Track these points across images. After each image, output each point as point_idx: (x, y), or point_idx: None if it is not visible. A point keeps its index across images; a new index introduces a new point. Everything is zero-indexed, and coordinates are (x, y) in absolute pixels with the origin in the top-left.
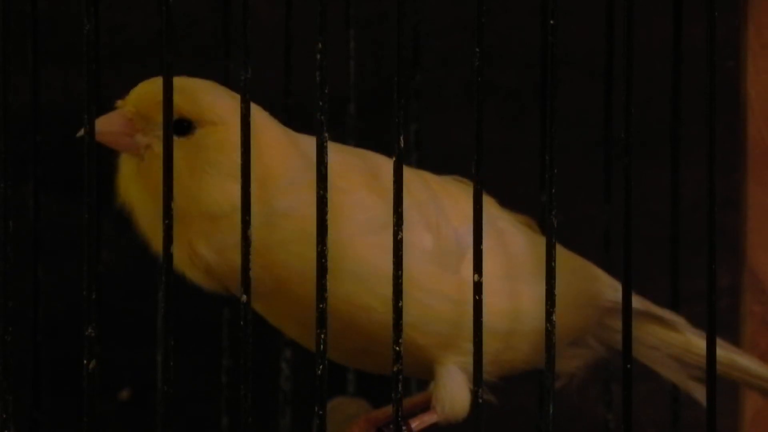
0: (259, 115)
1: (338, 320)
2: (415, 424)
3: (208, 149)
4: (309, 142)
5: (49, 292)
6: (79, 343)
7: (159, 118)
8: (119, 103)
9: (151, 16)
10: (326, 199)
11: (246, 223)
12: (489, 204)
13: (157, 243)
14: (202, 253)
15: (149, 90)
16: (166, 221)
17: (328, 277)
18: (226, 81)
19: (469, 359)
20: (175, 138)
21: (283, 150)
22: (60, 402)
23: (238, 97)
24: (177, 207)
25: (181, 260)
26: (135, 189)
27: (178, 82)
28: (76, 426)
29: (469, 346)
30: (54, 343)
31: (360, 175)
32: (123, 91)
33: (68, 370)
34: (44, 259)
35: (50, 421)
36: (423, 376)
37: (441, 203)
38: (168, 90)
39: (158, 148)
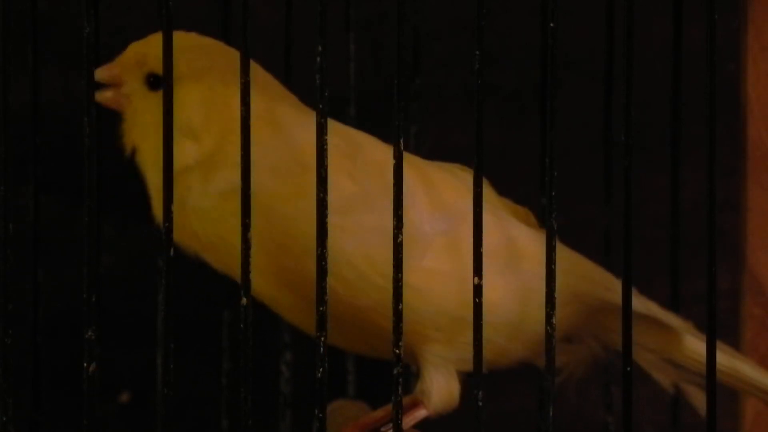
0: (258, 75)
1: (302, 298)
2: (406, 420)
3: None
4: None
5: (49, 294)
6: (79, 345)
7: (135, 71)
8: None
9: (151, 17)
10: (326, 201)
11: (246, 226)
12: (461, 195)
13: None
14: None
15: (145, 43)
16: (167, 224)
17: (290, 252)
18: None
19: (442, 349)
20: (150, 92)
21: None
22: (60, 404)
23: (214, 54)
24: (151, 165)
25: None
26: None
27: (154, 37)
28: (76, 428)
29: (439, 335)
30: (54, 345)
31: (335, 154)
32: None
33: (68, 372)
34: (44, 261)
35: (50, 424)
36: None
37: (415, 189)
38: (168, 92)
39: (135, 101)
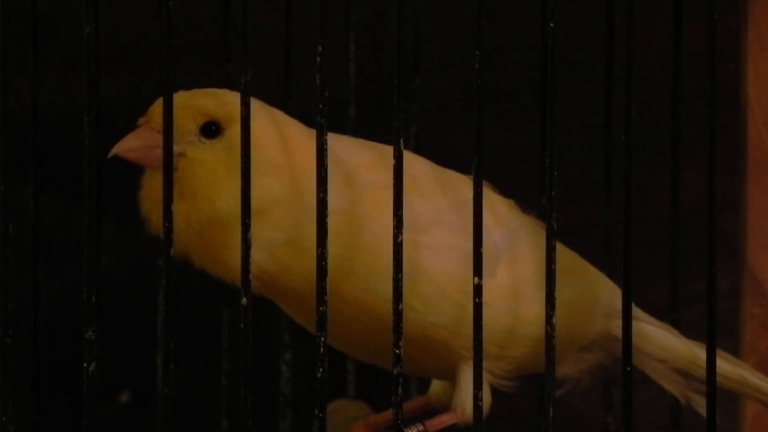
0: (278, 113)
1: (374, 318)
2: (434, 423)
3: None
4: (331, 140)
5: (49, 294)
6: (79, 346)
7: (188, 124)
8: (141, 120)
9: (151, 18)
10: (326, 201)
11: (246, 225)
12: (512, 209)
13: (202, 257)
14: (253, 256)
15: (191, 97)
16: (167, 224)
17: (367, 274)
18: (227, 84)
19: (493, 363)
20: (206, 141)
21: (310, 147)
22: (60, 404)
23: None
24: (219, 212)
25: (224, 267)
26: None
27: (197, 91)
28: (76, 428)
29: (495, 351)
30: (54, 345)
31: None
32: (123, 93)
33: (68, 372)
34: (44, 261)
35: (50, 424)
36: (436, 376)
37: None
38: (168, 93)
39: (192, 153)
